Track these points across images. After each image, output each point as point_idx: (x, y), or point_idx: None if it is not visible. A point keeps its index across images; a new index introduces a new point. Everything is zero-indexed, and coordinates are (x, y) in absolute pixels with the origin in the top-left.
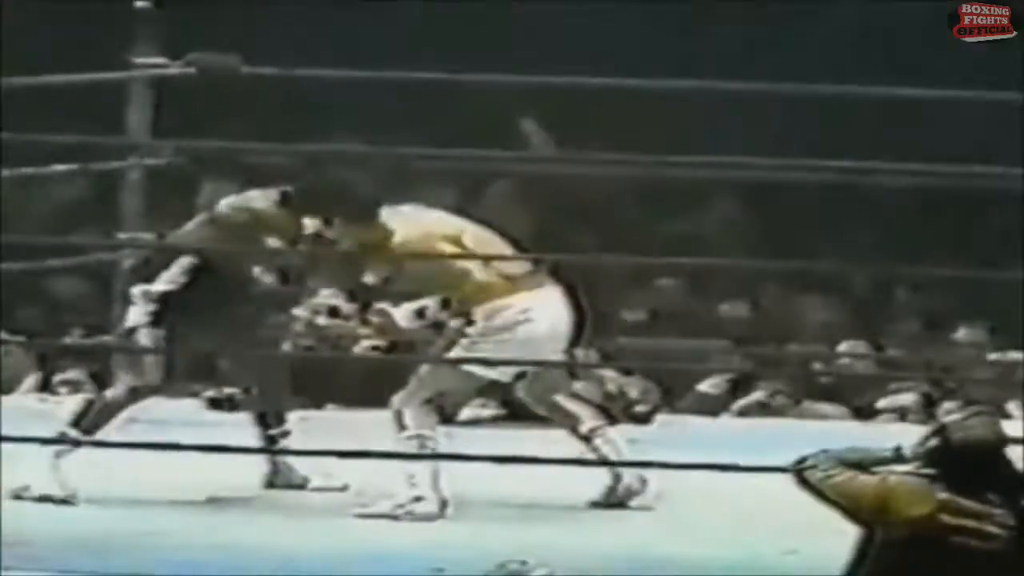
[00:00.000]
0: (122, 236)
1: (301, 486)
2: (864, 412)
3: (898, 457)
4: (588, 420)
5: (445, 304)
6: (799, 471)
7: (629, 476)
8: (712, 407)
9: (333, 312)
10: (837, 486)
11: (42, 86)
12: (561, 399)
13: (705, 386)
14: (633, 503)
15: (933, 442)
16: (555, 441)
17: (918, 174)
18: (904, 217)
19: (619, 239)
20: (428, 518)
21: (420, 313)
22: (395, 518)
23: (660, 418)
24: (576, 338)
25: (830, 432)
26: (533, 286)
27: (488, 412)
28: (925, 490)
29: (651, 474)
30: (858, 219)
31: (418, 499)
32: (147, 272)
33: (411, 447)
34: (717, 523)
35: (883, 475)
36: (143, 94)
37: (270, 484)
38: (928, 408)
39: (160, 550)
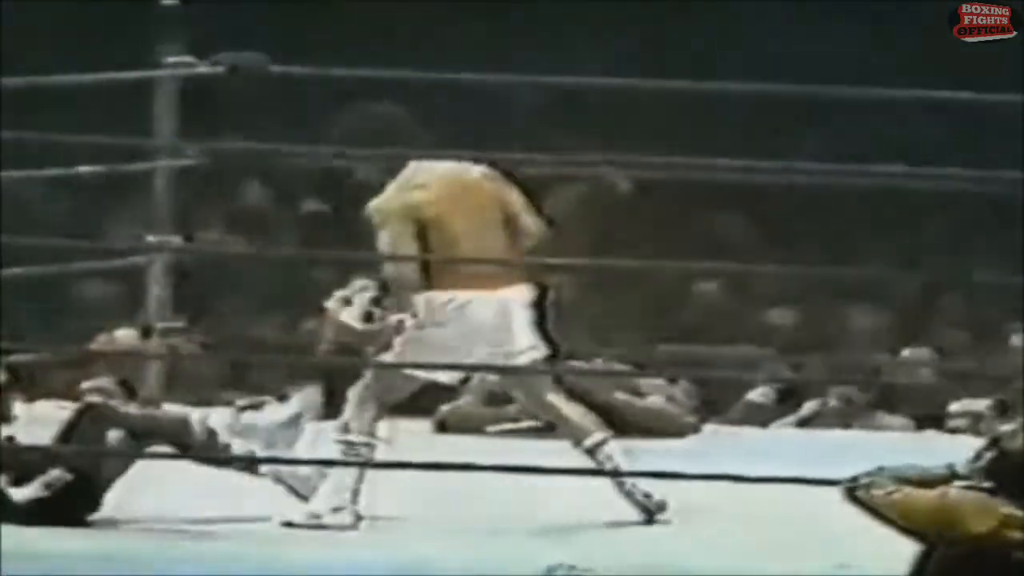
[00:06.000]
0: (151, 239)
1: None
2: (927, 422)
3: (952, 474)
4: (592, 432)
5: (382, 295)
6: (852, 490)
7: (638, 490)
8: (761, 417)
9: (367, 317)
10: (896, 504)
11: (69, 86)
12: (556, 400)
13: (754, 396)
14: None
15: (989, 455)
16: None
17: (935, 178)
18: (950, 222)
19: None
20: (342, 528)
21: (369, 316)
22: (316, 528)
23: (708, 428)
24: (543, 339)
25: (885, 444)
26: (500, 283)
27: (525, 424)
28: (989, 505)
29: (696, 487)
30: (905, 224)
31: (337, 509)
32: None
33: (343, 452)
34: (767, 537)
35: (942, 491)
36: (171, 94)
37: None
38: (1001, 416)
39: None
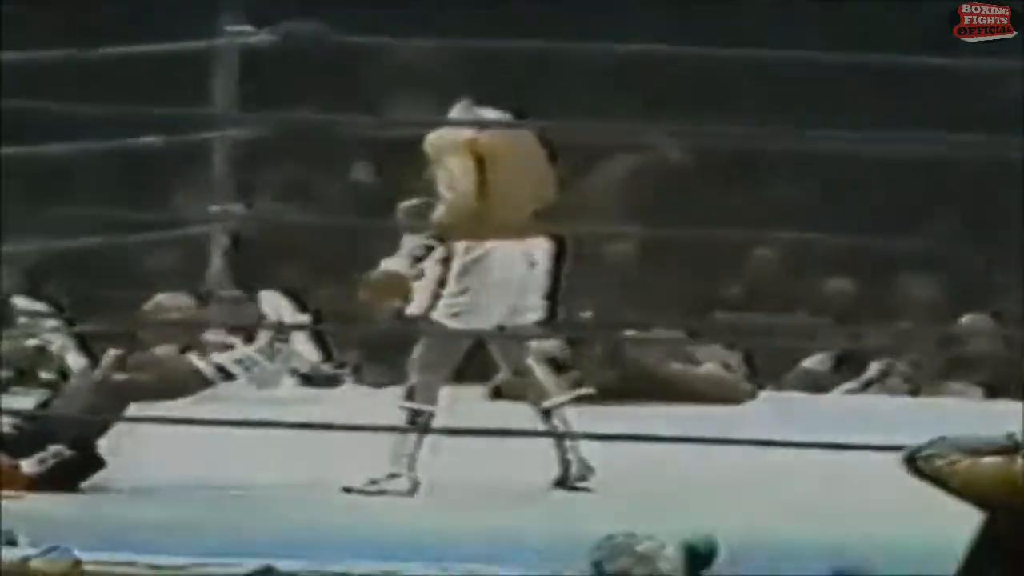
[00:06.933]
0: (213, 208)
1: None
2: (997, 390)
3: (1015, 445)
4: (554, 394)
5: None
6: (912, 460)
7: (576, 461)
8: (817, 384)
9: (415, 262)
10: (961, 473)
11: (128, 56)
12: (532, 364)
13: (810, 363)
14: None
15: None
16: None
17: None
18: (1001, 191)
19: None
20: (400, 494)
21: (419, 258)
22: (371, 494)
23: (764, 394)
24: (551, 294)
25: (946, 412)
26: (522, 234)
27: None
28: None
29: (754, 452)
30: (955, 194)
31: (394, 476)
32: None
33: (406, 418)
34: (829, 503)
35: (1008, 460)
36: (230, 64)
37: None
38: None
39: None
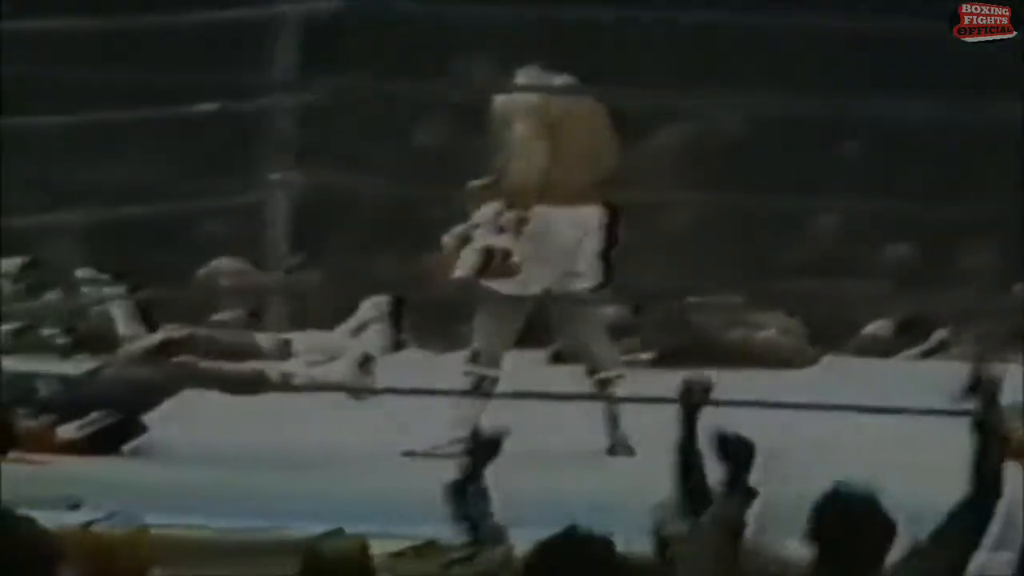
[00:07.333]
0: (273, 175)
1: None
2: None
3: None
4: (609, 367)
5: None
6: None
7: (618, 440)
8: (879, 350)
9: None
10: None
11: (190, 22)
12: (590, 330)
13: (871, 328)
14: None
15: None
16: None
17: None
18: None
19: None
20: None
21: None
22: (439, 456)
23: (826, 360)
24: (605, 264)
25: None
26: (580, 201)
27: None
28: None
29: (815, 417)
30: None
31: (456, 441)
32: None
33: (470, 382)
34: (888, 468)
35: None
36: (292, 29)
37: None
38: None
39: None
